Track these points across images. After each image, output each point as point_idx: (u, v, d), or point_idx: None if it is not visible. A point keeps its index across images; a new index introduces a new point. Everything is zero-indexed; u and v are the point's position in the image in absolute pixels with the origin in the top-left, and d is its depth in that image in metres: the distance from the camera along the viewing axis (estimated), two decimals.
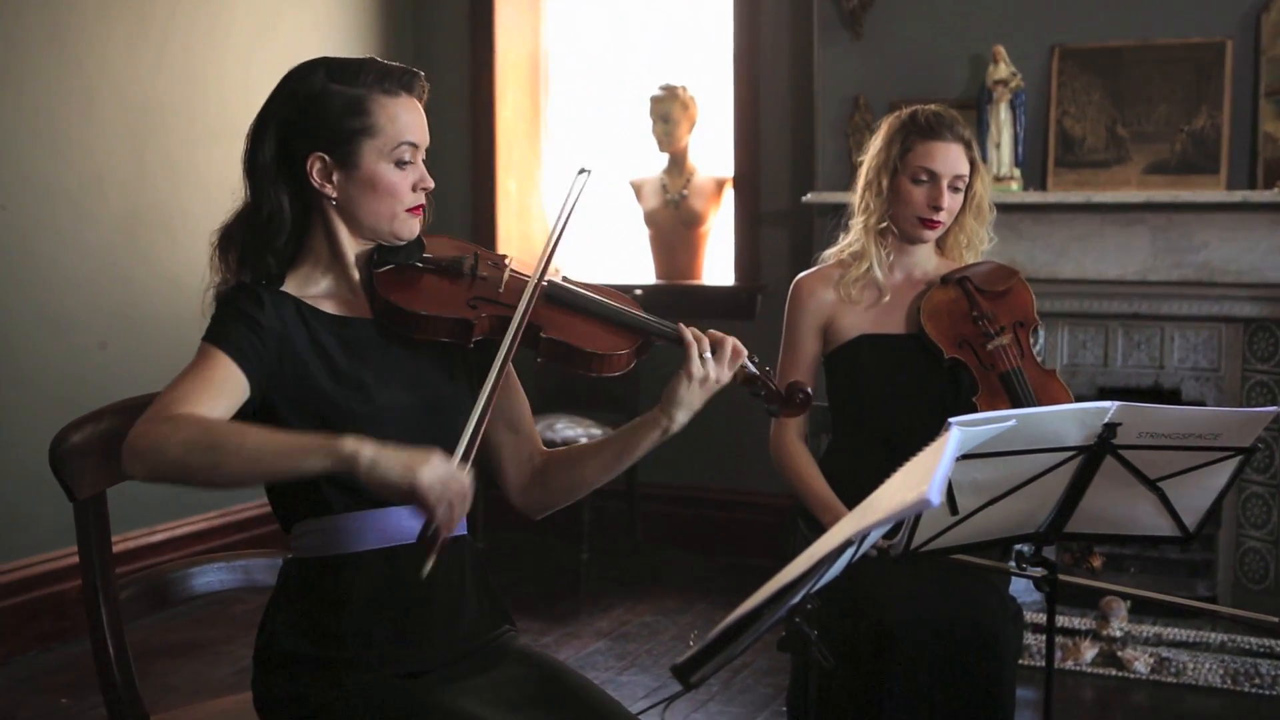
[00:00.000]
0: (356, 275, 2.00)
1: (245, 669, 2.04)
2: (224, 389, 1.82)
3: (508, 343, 1.91)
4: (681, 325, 2.01)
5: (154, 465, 1.72)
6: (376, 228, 1.96)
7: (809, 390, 2.03)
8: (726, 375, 1.98)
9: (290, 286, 1.97)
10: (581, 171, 2.06)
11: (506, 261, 2.08)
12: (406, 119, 1.94)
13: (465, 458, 1.78)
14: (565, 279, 2.08)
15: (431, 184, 1.99)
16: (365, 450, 1.69)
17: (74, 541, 2.01)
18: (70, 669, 3.98)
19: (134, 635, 2.02)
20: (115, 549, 2.02)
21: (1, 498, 4.07)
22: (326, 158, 1.92)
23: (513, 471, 2.14)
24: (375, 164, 1.92)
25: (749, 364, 2.01)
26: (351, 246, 1.99)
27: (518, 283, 2.02)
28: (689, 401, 1.97)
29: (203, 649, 4.16)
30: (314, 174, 1.92)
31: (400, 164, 1.94)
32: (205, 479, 1.74)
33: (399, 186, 1.94)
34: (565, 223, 2.03)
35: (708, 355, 1.96)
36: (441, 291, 1.99)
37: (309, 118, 1.92)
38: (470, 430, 1.82)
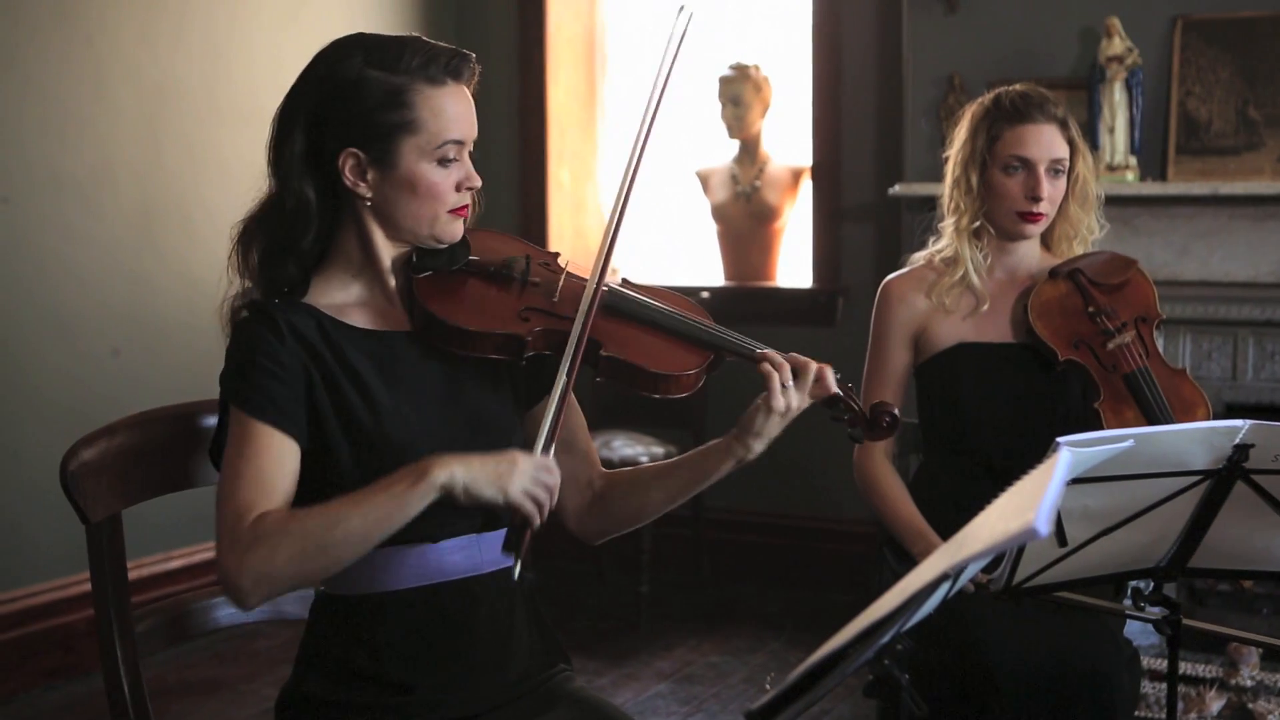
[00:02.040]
0: (393, 282, 2.00)
1: (270, 710, 2.06)
2: (281, 468, 1.86)
3: (569, 360, 1.92)
4: (764, 350, 1.99)
5: (269, 592, 1.82)
6: (415, 231, 1.95)
7: (895, 413, 2.03)
8: (807, 402, 1.99)
9: (314, 295, 1.97)
10: (681, 9, 2.01)
11: (562, 263, 2.07)
12: (452, 112, 1.93)
13: (548, 447, 1.89)
14: (625, 282, 2.08)
15: (478, 182, 1.97)
16: (456, 474, 1.81)
17: (83, 568, 2.04)
18: (78, 708, 4.03)
19: (147, 672, 2.04)
20: (129, 576, 2.05)
21: (4, 520, 4.14)
22: (361, 155, 1.91)
23: (569, 496, 2.13)
24: (415, 163, 1.91)
25: (835, 387, 2.00)
26: (387, 250, 1.98)
27: (574, 289, 2.00)
28: (768, 432, 1.98)
29: (224, 688, 4.21)
30: (346, 172, 1.91)
31: (443, 162, 1.93)
32: (326, 576, 1.89)
33: (441, 187, 1.93)
34: (654, 115, 2.00)
35: (790, 385, 1.96)
36: (489, 301, 1.98)
37: (342, 109, 1.90)
38: (550, 416, 1.90)
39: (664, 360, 1.98)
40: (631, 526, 2.14)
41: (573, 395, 2.13)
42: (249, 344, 1.90)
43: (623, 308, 2.02)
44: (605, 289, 2.00)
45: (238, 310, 1.95)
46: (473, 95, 1.99)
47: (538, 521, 1.85)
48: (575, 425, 2.14)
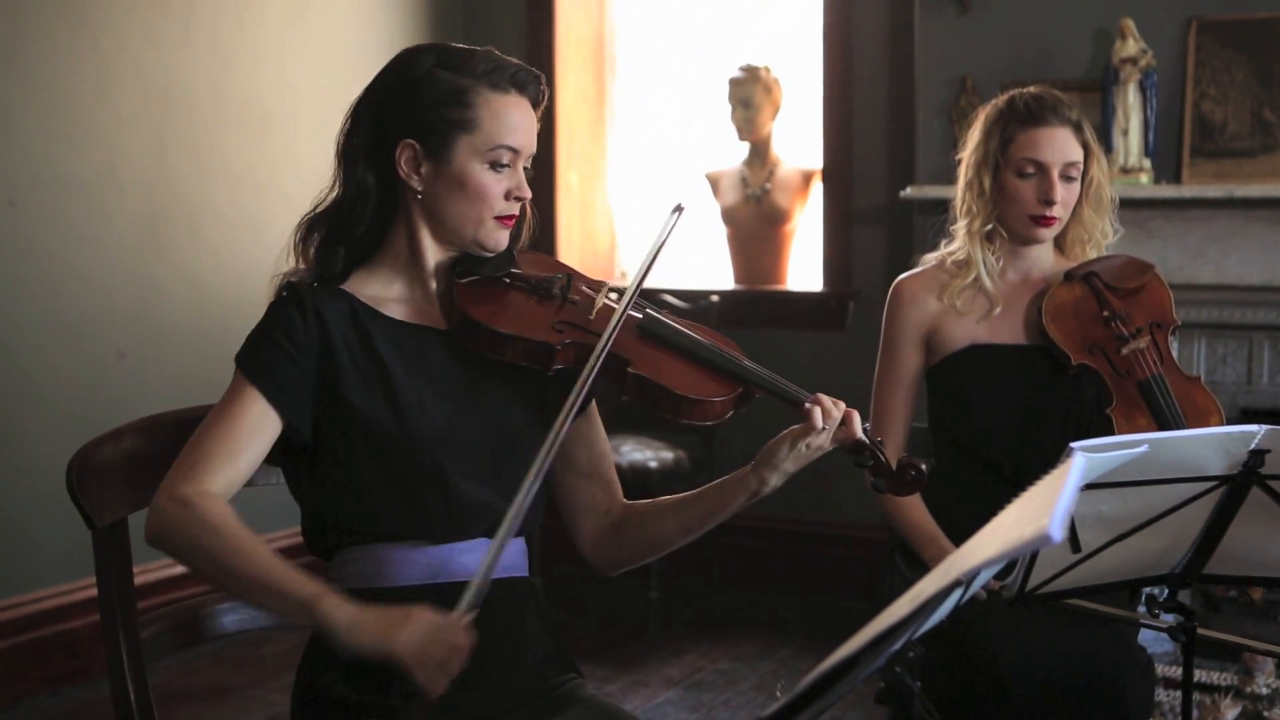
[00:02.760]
0: (434, 284, 2.05)
1: (276, 716, 2.07)
2: (251, 437, 1.92)
3: (587, 371, 1.92)
4: (811, 395, 1.99)
5: (163, 548, 1.87)
6: (460, 232, 2.01)
7: (923, 468, 2.03)
8: (830, 445, 2.00)
9: (354, 284, 2.03)
10: (676, 209, 2.07)
11: (602, 288, 2.10)
12: (510, 120, 2.00)
13: (471, 606, 1.80)
14: (664, 312, 2.10)
15: (528, 194, 2.04)
16: (341, 617, 1.77)
17: (88, 573, 2.04)
18: (83, 714, 4.04)
19: (153, 678, 2.05)
20: (135, 581, 2.05)
21: (8, 524, 4.15)
22: (417, 146, 1.98)
23: (586, 522, 2.17)
24: (467, 162, 1.98)
25: (860, 432, 2.01)
26: (433, 250, 2.04)
27: (611, 311, 2.03)
28: (787, 467, 2.00)
29: (230, 694, 4.21)
30: (402, 161, 1.99)
31: (495, 166, 1.99)
32: (211, 585, 1.96)
33: (490, 190, 1.99)
34: (654, 258, 2.03)
35: (825, 426, 1.97)
36: (526, 310, 2.03)
37: (407, 100, 1.98)
38: (480, 575, 1.82)
39: (691, 385, 2.00)
40: (645, 559, 2.17)
41: (600, 422, 2.16)
42: (272, 320, 1.98)
43: (656, 331, 2.06)
44: (641, 314, 2.05)
45: (280, 289, 2.02)
46: (539, 116, 2.05)
47: (430, 691, 1.75)
48: (600, 451, 2.18)
